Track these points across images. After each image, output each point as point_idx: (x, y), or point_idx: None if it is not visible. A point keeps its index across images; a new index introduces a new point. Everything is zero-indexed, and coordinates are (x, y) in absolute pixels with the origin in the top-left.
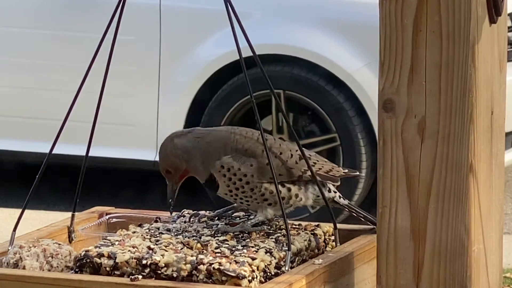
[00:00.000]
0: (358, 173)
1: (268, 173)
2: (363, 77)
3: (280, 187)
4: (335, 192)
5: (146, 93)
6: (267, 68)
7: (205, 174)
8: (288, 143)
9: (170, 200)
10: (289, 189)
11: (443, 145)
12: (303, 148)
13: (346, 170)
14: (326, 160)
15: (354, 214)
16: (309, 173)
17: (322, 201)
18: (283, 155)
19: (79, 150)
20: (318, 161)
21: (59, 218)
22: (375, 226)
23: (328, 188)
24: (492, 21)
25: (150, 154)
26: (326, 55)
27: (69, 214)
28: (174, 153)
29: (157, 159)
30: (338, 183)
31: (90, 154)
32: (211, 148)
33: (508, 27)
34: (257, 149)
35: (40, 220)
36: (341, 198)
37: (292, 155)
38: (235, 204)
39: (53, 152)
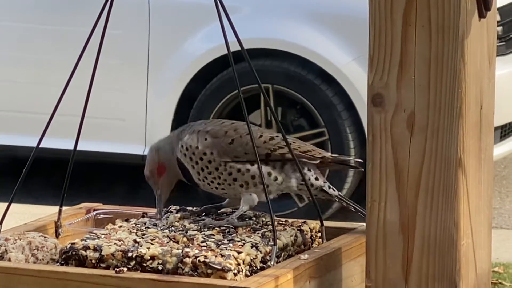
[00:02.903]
0: (352, 158)
1: (231, 152)
2: (352, 72)
3: (249, 165)
4: (324, 182)
5: (135, 88)
6: (255, 63)
7: (175, 161)
8: (264, 129)
9: (160, 212)
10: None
11: (432, 140)
12: (278, 134)
13: (336, 155)
14: (308, 144)
15: (344, 204)
16: (279, 151)
17: (308, 189)
18: (249, 135)
19: (68, 144)
20: (295, 142)
21: (47, 212)
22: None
23: (315, 177)
24: (482, 15)
25: (139, 148)
26: (315, 49)
27: (57, 208)
28: (149, 154)
29: (146, 153)
30: (316, 162)
31: (78, 148)
32: (173, 135)
33: (498, 22)
34: (220, 131)
35: (29, 214)
36: (331, 189)
37: (261, 136)
38: (223, 202)
39: (43, 146)
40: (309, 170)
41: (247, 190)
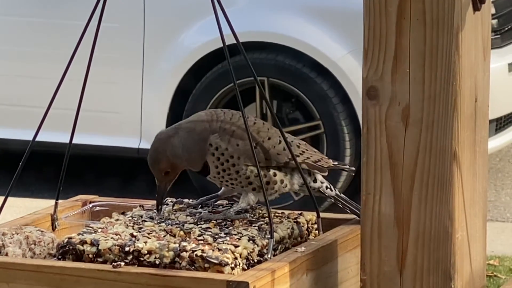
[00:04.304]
0: (348, 166)
1: (255, 156)
2: (347, 65)
3: (265, 171)
4: (322, 183)
5: (130, 81)
6: (251, 56)
7: (200, 163)
8: (277, 130)
9: (160, 207)
10: (274, 174)
11: (427, 133)
12: (287, 136)
13: (336, 163)
14: (316, 150)
15: (340, 205)
16: (297, 159)
17: (307, 190)
18: (271, 140)
19: (63, 138)
20: (307, 150)
21: (43, 205)
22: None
23: (314, 178)
24: (476, 8)
25: (134, 142)
26: (310, 42)
27: (53, 201)
28: (175, 153)
29: (142, 146)
30: (326, 174)
31: (74, 142)
32: (202, 136)
33: (493, 15)
34: (244, 133)
35: (25, 208)
36: (328, 189)
37: (280, 141)
38: (218, 193)
39: (38, 139)
40: (309, 174)
41: (258, 192)
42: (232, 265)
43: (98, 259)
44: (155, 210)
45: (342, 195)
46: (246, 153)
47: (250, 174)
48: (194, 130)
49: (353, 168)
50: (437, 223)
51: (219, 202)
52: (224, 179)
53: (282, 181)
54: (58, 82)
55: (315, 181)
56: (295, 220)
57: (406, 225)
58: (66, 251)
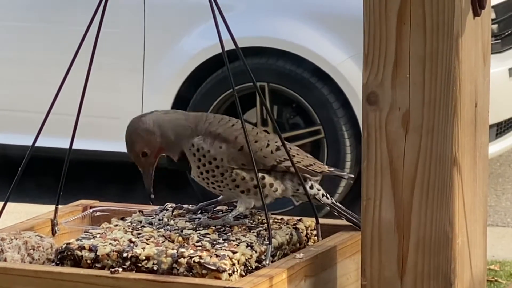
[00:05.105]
0: (346, 173)
1: (240, 159)
2: (347, 70)
3: (252, 174)
4: (318, 190)
5: (131, 86)
6: (251, 61)
7: (177, 149)
8: (269, 135)
9: (150, 190)
10: (263, 178)
11: (427, 138)
12: (276, 141)
13: (332, 169)
14: (309, 155)
15: (336, 213)
16: (285, 163)
17: (302, 195)
18: (258, 143)
19: (61, 143)
20: (298, 154)
21: (43, 211)
22: (358, 228)
23: (310, 185)
24: (476, 14)
25: None
26: (310, 47)
27: (53, 207)
28: (146, 129)
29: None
30: (317, 178)
31: (74, 147)
32: (181, 123)
33: (493, 20)
34: (230, 135)
35: (25, 213)
36: (324, 197)
37: (268, 144)
38: (218, 198)
39: (38, 145)
40: (304, 179)
41: (247, 195)
42: (230, 272)
43: (96, 265)
44: (154, 215)
45: (338, 203)
46: (231, 155)
47: (236, 177)
48: (172, 114)
49: (352, 176)
50: (437, 228)
51: (218, 207)
52: (210, 181)
53: (271, 185)
54: (58, 87)
55: (311, 187)
56: (294, 226)
57: (407, 230)
58: (64, 256)
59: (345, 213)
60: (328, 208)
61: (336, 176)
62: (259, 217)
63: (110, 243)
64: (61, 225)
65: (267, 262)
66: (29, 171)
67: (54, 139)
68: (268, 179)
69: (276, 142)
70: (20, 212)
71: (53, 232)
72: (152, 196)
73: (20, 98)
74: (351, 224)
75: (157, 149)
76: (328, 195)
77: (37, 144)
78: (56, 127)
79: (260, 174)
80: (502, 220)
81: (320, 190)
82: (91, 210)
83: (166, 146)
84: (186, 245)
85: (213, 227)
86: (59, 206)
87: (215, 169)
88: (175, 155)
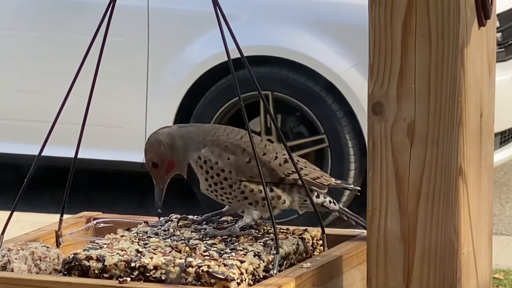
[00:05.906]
0: (352, 186)
1: (248, 171)
2: (352, 78)
3: (261, 186)
4: (324, 198)
5: (135, 95)
6: (254, 70)
7: (185, 163)
8: (276, 145)
9: (159, 203)
10: (271, 190)
11: (432, 148)
12: (284, 153)
13: (339, 181)
14: (316, 168)
15: (345, 218)
16: (293, 176)
17: (309, 206)
18: (266, 156)
19: (66, 152)
20: (306, 167)
21: (46, 220)
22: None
23: (316, 194)
24: (481, 24)
25: (139, 156)
26: (314, 56)
27: (58, 216)
28: (158, 140)
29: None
30: (325, 191)
31: (79, 156)
32: (191, 135)
33: (497, 28)
34: (238, 148)
35: (30, 222)
36: (332, 203)
37: (277, 157)
38: (223, 209)
39: (43, 154)
40: (311, 190)
41: (255, 207)
42: (238, 281)
43: (104, 275)
44: (159, 226)
45: (345, 208)
46: (239, 168)
47: (244, 189)
48: (186, 127)
49: (358, 188)
50: (443, 238)
51: (223, 218)
52: (218, 193)
53: (279, 197)
54: (64, 97)
55: (318, 196)
56: (300, 236)
57: (412, 241)
58: (72, 266)
59: (353, 217)
60: (337, 214)
61: (343, 188)
62: (265, 227)
63: (117, 253)
64: (65, 237)
65: (275, 272)
66: (34, 180)
67: (59, 148)
68: (276, 191)
69: (284, 154)
70: (25, 221)
71: (58, 244)
72: (160, 211)
73: (25, 108)
74: (361, 226)
75: (168, 162)
76: (335, 201)
77: (42, 153)
78: (61, 136)
79: (268, 187)
80: (506, 228)
81: (326, 197)
82: (94, 222)
83: (177, 160)
84: (193, 254)
85: (220, 237)
86: (63, 217)
87: (223, 181)
88: (183, 170)
